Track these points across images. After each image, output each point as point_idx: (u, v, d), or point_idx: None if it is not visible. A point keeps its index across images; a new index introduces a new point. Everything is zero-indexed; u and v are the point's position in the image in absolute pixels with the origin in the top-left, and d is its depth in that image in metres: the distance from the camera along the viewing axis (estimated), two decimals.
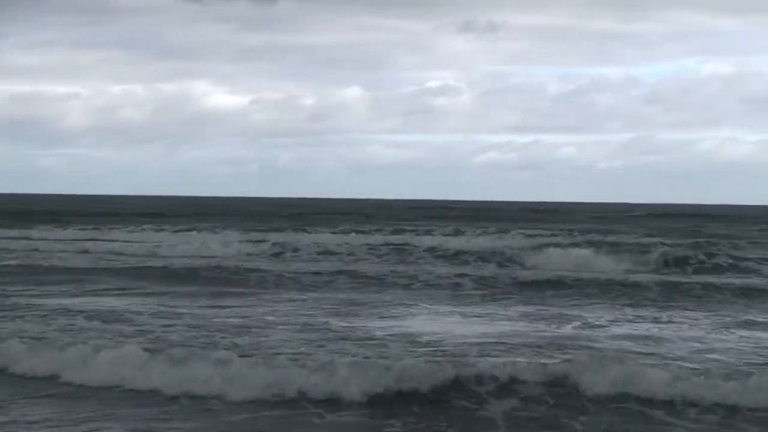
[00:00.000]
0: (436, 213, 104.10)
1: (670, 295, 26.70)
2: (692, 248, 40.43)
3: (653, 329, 20.11)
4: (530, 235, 52.85)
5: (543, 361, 14.85)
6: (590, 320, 21.38)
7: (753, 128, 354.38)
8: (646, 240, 51.24)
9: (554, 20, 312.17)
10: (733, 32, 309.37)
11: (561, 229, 60.87)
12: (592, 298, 25.89)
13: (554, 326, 20.35)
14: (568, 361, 14.49)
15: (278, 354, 15.49)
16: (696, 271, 34.28)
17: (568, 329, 19.95)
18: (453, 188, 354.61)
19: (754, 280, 30.92)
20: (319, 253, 38.80)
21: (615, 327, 20.46)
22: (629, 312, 23.09)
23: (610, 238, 51.69)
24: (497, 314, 22.64)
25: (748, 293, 27.04)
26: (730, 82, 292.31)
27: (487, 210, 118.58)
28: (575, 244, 46.86)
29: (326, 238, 47.37)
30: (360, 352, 16.08)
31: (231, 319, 20.58)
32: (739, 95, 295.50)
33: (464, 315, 22.46)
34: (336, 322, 20.15)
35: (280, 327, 19.32)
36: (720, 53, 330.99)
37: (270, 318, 20.91)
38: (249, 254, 38.90)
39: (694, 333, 19.66)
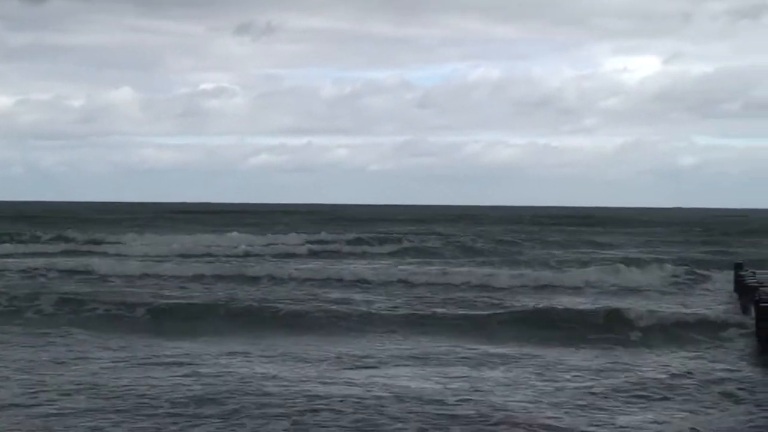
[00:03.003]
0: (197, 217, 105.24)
1: None
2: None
3: None
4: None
5: None
6: None
7: (519, 131, 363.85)
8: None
9: (333, 23, 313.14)
10: (503, 38, 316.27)
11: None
12: None
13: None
14: None
15: None
16: None
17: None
18: (226, 191, 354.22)
19: None
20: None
21: None
22: None
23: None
24: None
25: None
26: (499, 87, 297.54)
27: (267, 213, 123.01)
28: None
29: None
30: None
31: None
32: (507, 99, 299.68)
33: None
34: None
35: None
36: (491, 58, 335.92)
37: None
38: None
39: None
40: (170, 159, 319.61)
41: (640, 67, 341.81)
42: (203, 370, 17.45)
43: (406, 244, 57.89)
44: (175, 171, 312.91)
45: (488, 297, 31.37)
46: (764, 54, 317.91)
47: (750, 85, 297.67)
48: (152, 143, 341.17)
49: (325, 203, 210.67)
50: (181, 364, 18.28)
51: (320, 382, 16.42)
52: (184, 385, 15.99)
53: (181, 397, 14.95)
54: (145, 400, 14.80)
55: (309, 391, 15.57)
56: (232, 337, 22.58)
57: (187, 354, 19.59)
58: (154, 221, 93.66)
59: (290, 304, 27.76)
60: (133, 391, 15.46)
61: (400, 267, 41.03)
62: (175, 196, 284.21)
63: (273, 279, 36.91)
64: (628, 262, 42.60)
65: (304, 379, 16.78)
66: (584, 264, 43.56)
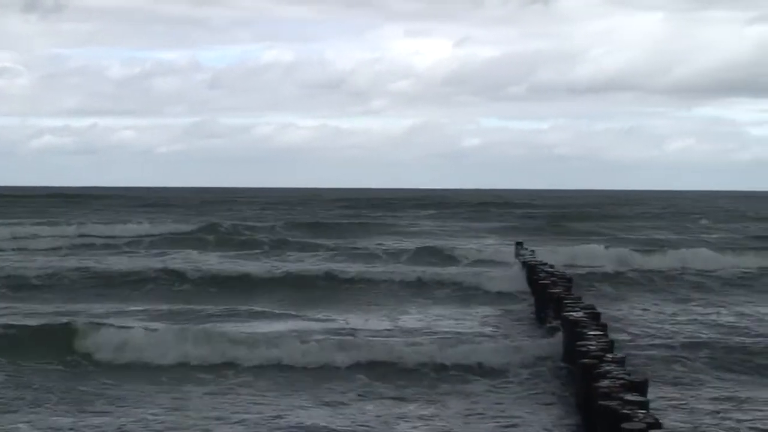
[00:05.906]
0: None
1: None
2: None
3: None
4: None
5: None
6: None
7: (310, 113, 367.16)
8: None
9: (123, 2, 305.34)
10: (296, 19, 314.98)
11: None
12: None
13: None
14: None
15: None
16: None
17: None
18: (6, 173, 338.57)
19: None
20: None
21: None
22: None
23: None
24: None
25: None
26: (291, 69, 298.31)
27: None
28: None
29: None
30: None
31: None
32: (299, 81, 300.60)
33: None
34: None
35: None
36: (283, 40, 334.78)
37: None
38: None
39: None
40: None
41: (430, 50, 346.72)
42: None
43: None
44: None
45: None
46: (550, 38, 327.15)
47: (535, 70, 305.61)
48: None
49: (111, 186, 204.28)
50: None
51: None
52: None
53: None
54: None
55: None
56: None
57: None
58: None
59: None
60: None
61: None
62: None
63: None
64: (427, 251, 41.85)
65: None
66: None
